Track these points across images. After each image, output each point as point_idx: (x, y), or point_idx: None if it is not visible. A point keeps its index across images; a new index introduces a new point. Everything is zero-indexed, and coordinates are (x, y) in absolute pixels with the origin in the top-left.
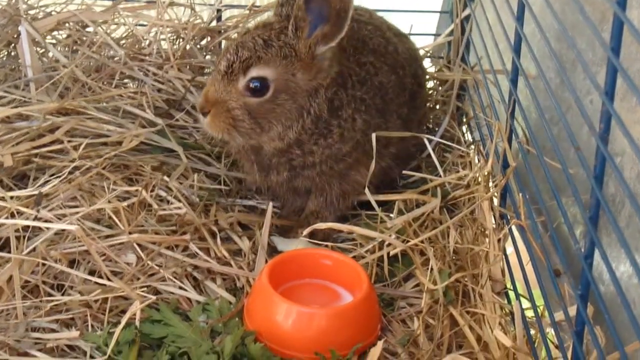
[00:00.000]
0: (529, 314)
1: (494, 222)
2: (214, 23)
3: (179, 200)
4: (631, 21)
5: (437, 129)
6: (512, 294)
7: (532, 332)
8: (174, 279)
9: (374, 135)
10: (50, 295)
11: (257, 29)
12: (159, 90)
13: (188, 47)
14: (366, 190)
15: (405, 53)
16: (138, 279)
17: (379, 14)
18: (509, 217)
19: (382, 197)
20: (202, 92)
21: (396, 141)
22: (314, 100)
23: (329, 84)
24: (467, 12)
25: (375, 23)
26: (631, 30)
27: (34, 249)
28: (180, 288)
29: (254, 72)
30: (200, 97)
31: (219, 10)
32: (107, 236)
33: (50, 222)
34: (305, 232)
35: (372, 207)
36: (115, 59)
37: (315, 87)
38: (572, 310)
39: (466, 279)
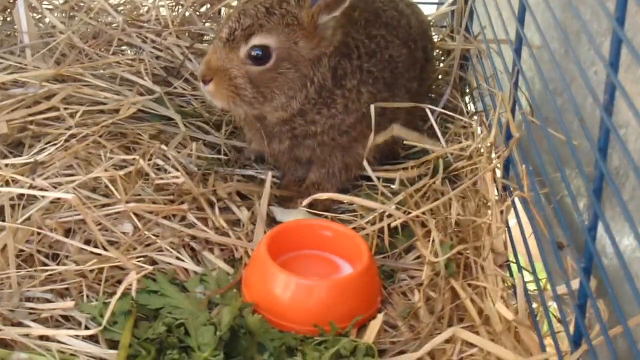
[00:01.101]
0: (531, 287)
1: (496, 193)
2: None
3: (177, 169)
4: None
5: (439, 99)
6: (514, 267)
7: (534, 305)
8: (171, 249)
9: (372, 107)
10: (45, 264)
11: None
12: (157, 58)
13: (187, 13)
14: (365, 163)
15: (417, 27)
16: (134, 248)
17: None
18: (511, 189)
19: (383, 174)
20: (203, 60)
21: (403, 116)
22: (317, 69)
23: (332, 52)
24: None
25: None
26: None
27: (28, 218)
28: (178, 258)
29: (256, 40)
30: (202, 64)
31: None
32: (104, 205)
33: (45, 190)
34: (305, 202)
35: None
36: (113, 25)
37: (318, 55)
38: (575, 284)
39: (468, 252)
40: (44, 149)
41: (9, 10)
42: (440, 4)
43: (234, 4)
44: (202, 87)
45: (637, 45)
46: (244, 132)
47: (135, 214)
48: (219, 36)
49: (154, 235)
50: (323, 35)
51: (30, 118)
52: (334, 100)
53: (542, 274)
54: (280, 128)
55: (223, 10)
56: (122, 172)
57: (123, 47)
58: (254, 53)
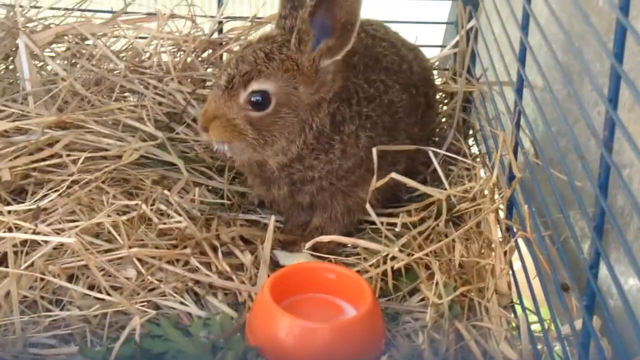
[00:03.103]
0: (536, 327)
1: (500, 235)
2: (215, 35)
3: (180, 214)
4: (634, 27)
5: (443, 142)
6: (518, 308)
7: (539, 346)
8: (174, 294)
9: (374, 150)
10: (48, 310)
11: (259, 42)
12: (160, 104)
13: (189, 59)
14: (367, 207)
15: (419, 73)
16: (138, 294)
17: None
18: (515, 230)
19: (385, 219)
20: (201, 110)
21: (404, 160)
22: (316, 115)
23: (332, 98)
24: (472, 23)
25: (391, 39)
26: (633, 35)
27: (32, 264)
28: (181, 303)
29: (255, 86)
30: (200, 115)
31: (220, 22)
32: (107, 250)
33: (48, 236)
34: (308, 245)
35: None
36: (115, 72)
37: (318, 100)
38: (579, 324)
39: (472, 293)
40: (47, 195)
41: (11, 58)
42: (442, 46)
43: (236, 49)
44: (204, 136)
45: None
46: (245, 178)
47: (139, 259)
48: (217, 83)
49: (157, 280)
50: (323, 81)
51: (33, 165)
52: (331, 146)
53: (546, 315)
54: (279, 174)
55: (225, 55)
56: (124, 218)
57: (125, 94)
58: (253, 99)
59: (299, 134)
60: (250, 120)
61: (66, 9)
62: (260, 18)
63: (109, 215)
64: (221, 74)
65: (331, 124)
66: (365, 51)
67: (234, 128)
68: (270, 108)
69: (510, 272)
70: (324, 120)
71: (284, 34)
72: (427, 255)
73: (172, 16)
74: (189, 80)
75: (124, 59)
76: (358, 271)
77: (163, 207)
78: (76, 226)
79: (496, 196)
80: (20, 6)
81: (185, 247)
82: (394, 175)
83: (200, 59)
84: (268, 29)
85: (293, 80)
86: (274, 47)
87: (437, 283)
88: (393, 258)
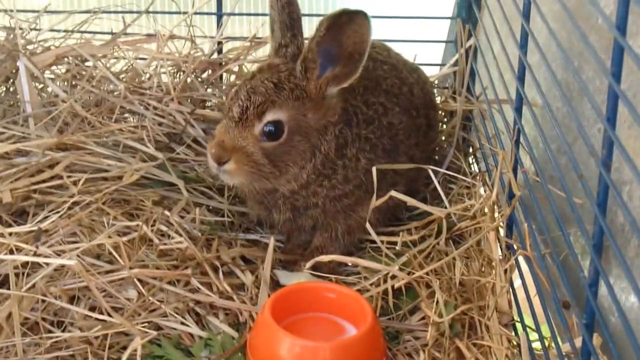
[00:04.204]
0: (537, 345)
1: (500, 253)
2: (214, 55)
3: (180, 235)
4: (631, 46)
5: (443, 161)
6: (519, 326)
7: None
8: (175, 315)
9: (374, 169)
10: (50, 331)
11: (263, 72)
12: (160, 124)
13: (189, 80)
14: (368, 226)
15: (421, 96)
16: (139, 314)
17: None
18: (515, 248)
19: (385, 238)
20: (213, 142)
21: (405, 181)
22: (324, 138)
23: (337, 120)
24: (471, 41)
25: (392, 62)
26: (630, 54)
27: (33, 286)
28: (182, 323)
29: (269, 117)
30: (214, 146)
31: (219, 43)
32: (108, 272)
33: (49, 257)
34: (308, 264)
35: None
36: (115, 93)
37: (325, 124)
38: (579, 342)
39: (472, 311)
40: (48, 217)
41: (11, 80)
42: (442, 65)
43: (235, 69)
44: (217, 169)
45: (638, 103)
46: (245, 200)
47: (140, 280)
48: (229, 116)
49: (158, 300)
50: (329, 104)
51: (34, 187)
52: (334, 171)
53: (547, 333)
54: (282, 200)
55: (224, 75)
56: (125, 239)
57: (125, 115)
58: (267, 129)
59: (309, 159)
60: (265, 152)
61: (66, 31)
62: (259, 38)
63: (109, 237)
64: (231, 105)
65: (336, 148)
66: (366, 74)
67: (255, 165)
68: (284, 137)
69: (511, 290)
70: (331, 143)
71: (287, 62)
72: (427, 273)
73: (172, 37)
74: (188, 100)
75: (123, 80)
76: (358, 290)
77: (164, 227)
78: (77, 247)
79: (496, 214)
80: (20, 28)
81: (186, 268)
82: (393, 193)
83: (200, 79)
84: (267, 49)
85: (302, 107)
86: (281, 77)
87: (437, 301)
88: (393, 277)
